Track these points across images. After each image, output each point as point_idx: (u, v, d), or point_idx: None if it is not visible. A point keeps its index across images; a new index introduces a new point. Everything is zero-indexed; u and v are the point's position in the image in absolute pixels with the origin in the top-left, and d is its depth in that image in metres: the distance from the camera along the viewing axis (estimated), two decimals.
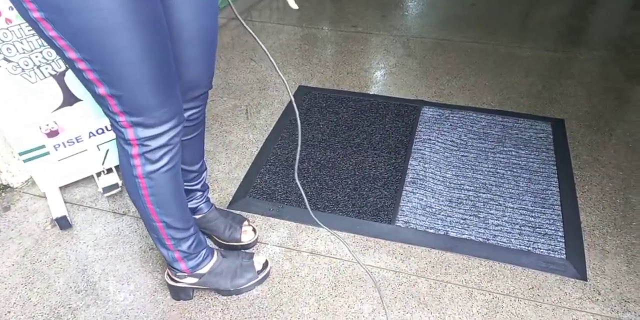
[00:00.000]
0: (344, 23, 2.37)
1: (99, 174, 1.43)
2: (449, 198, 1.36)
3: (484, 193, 1.37)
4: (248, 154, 1.57)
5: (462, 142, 1.56)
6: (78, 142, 1.32)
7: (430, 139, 1.57)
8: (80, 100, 1.25)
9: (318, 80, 1.94)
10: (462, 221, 1.29)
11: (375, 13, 2.45)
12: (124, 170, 0.88)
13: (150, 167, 0.85)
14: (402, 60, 2.05)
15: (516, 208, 1.32)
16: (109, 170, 1.44)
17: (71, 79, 1.22)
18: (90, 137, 1.34)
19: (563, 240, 1.22)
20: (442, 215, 1.31)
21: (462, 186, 1.40)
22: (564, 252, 1.20)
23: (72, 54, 0.69)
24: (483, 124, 1.64)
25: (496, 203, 1.34)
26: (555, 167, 1.45)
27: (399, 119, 1.68)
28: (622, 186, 1.40)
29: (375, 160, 1.50)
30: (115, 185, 1.39)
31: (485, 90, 1.83)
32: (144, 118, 0.78)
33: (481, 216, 1.30)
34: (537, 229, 1.26)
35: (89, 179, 1.46)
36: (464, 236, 1.24)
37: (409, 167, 1.47)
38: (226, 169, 1.51)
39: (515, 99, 1.78)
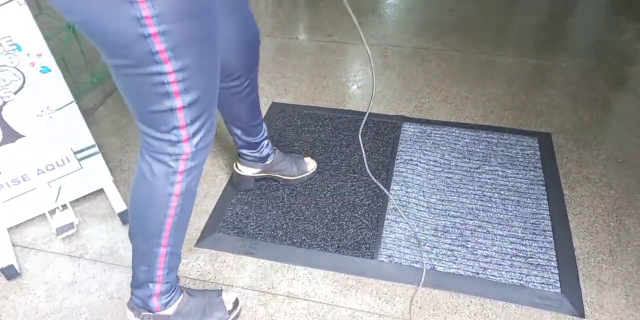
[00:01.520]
0: (319, 31, 2.27)
1: (52, 212, 1.30)
2: (435, 226, 1.27)
3: (471, 219, 1.29)
4: (218, 181, 1.45)
5: (445, 161, 1.48)
6: (25, 180, 1.19)
7: (412, 160, 1.48)
8: (23, 136, 1.11)
9: (293, 95, 1.83)
10: (449, 253, 1.20)
11: (351, 20, 2.35)
12: (156, 192, 0.85)
13: (188, 184, 0.87)
14: (380, 71, 1.95)
15: (506, 235, 1.24)
16: (64, 207, 1.31)
17: (11, 114, 1.08)
18: (38, 174, 1.20)
19: (557, 272, 1.14)
20: (428, 246, 1.22)
21: (448, 212, 1.31)
22: (558, 285, 1.12)
23: (168, 67, 0.70)
24: (467, 140, 1.56)
25: (484, 230, 1.26)
26: (544, 188, 1.37)
27: (378, 138, 1.58)
28: (615, 207, 1.33)
29: (355, 185, 1.40)
30: (71, 225, 1.26)
31: (468, 103, 1.75)
32: (204, 128, 0.81)
33: (469, 246, 1.22)
34: (529, 259, 1.18)
35: (42, 216, 1.33)
36: (451, 270, 1.16)
37: (390, 192, 1.37)
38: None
39: (499, 112, 1.70)
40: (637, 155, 1.51)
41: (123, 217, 1.29)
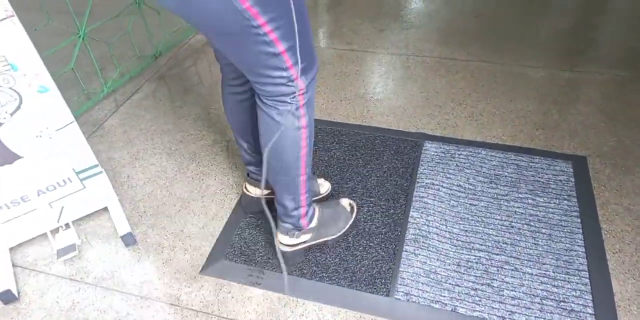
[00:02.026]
0: (338, 39, 2.18)
1: (56, 231, 1.26)
2: (457, 261, 1.17)
3: (497, 254, 1.18)
4: (227, 202, 1.38)
5: (470, 186, 1.37)
6: (24, 201, 1.14)
7: (434, 184, 1.38)
8: (21, 157, 1.06)
9: None
10: (472, 292, 1.10)
11: (372, 27, 2.25)
12: (287, 129, 0.93)
13: (309, 114, 0.95)
14: (402, 83, 1.85)
15: (535, 274, 1.13)
16: (67, 226, 1.26)
17: (8, 135, 1.03)
18: (39, 195, 1.15)
19: None
20: (450, 283, 1.12)
21: (472, 245, 1.21)
22: None
23: (260, 19, 0.76)
24: (494, 163, 1.45)
25: (512, 267, 1.15)
26: (579, 220, 1.26)
27: (398, 158, 1.48)
28: None
29: (372, 211, 1.31)
30: (72, 247, 1.21)
31: (495, 120, 1.64)
32: (308, 61, 0.88)
33: (495, 285, 1.11)
34: (562, 304, 1.07)
35: (45, 235, 1.28)
36: (475, 314, 1.06)
37: (409, 220, 1.28)
38: (201, 221, 1.33)
39: (529, 132, 1.58)
40: None
41: (126, 240, 1.23)
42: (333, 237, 1.22)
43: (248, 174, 1.27)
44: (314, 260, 1.19)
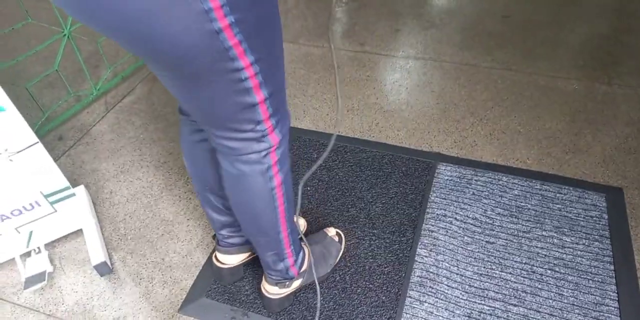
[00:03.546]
0: (350, 38, 2.00)
1: (28, 255, 1.15)
2: (469, 311, 1.02)
3: (515, 305, 1.03)
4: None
5: (488, 220, 1.21)
6: None
7: (446, 215, 1.23)
8: None
9: (311, 119, 1.60)
10: None
11: (388, 26, 2.07)
12: (259, 192, 0.80)
13: (284, 170, 0.82)
14: (417, 93, 1.68)
15: None
16: (39, 249, 1.15)
17: None
18: (3, 220, 1.04)
19: None
20: None
21: (487, 293, 1.06)
22: None
23: (245, 61, 0.62)
24: (516, 192, 1.28)
25: None
26: (612, 267, 1.09)
27: (407, 181, 1.33)
28: None
29: (374, 245, 1.17)
30: (42, 276, 1.10)
31: (520, 140, 1.46)
32: (282, 111, 0.75)
33: None
34: None
35: (14, 261, 1.18)
36: None
37: (416, 258, 1.13)
38: (184, 249, 1.20)
39: (557, 155, 1.41)
40: None
41: (99, 269, 1.11)
42: (324, 275, 1.09)
43: (218, 242, 1.05)
44: (304, 302, 1.06)
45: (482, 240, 1.16)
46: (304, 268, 1.01)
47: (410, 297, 1.05)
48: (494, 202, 1.26)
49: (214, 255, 1.08)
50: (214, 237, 1.08)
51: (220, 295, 1.08)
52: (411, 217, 1.23)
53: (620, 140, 1.45)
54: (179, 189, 1.37)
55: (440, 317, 1.02)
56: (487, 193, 1.28)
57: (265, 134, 0.73)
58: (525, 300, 1.04)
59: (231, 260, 1.06)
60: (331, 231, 1.15)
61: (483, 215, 1.22)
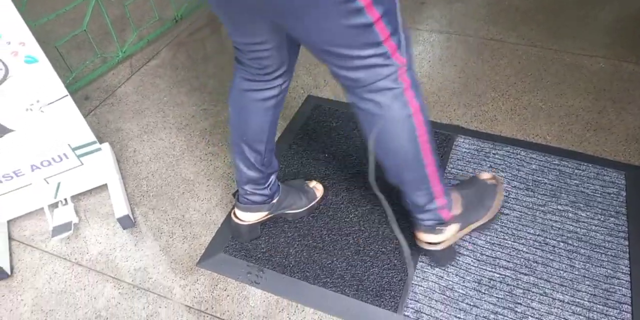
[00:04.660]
0: None
1: (55, 205, 1.20)
2: (479, 278, 1.05)
3: (525, 274, 1.05)
4: (234, 186, 1.29)
5: (503, 192, 1.22)
6: (18, 176, 1.08)
7: None
8: (12, 130, 0.98)
9: (331, 88, 1.60)
10: (492, 316, 0.98)
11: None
12: (396, 122, 0.77)
13: (418, 94, 0.78)
14: (439, 66, 1.66)
15: (567, 302, 1.00)
16: (66, 201, 1.20)
17: None
18: (33, 170, 1.08)
19: None
20: (467, 303, 1.01)
21: (498, 261, 1.08)
22: None
23: (374, 12, 0.65)
24: (534, 167, 1.28)
25: (541, 291, 1.02)
26: (626, 243, 1.10)
27: None
28: None
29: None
30: (68, 226, 1.15)
31: (541, 116, 1.45)
32: (401, 31, 0.72)
33: (519, 311, 0.99)
34: None
35: (42, 211, 1.23)
36: None
37: None
38: (204, 207, 1.24)
39: (579, 132, 1.39)
40: None
41: (122, 222, 1.16)
42: (486, 219, 1.04)
43: (239, 198, 1.06)
44: (319, 262, 1.09)
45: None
46: (457, 210, 0.98)
47: (421, 261, 1.08)
48: (510, 175, 1.26)
49: (232, 212, 1.11)
50: (234, 194, 1.10)
51: (237, 252, 1.12)
52: None
53: None
54: (200, 150, 1.40)
55: (450, 282, 1.04)
56: (504, 166, 1.28)
57: (388, 56, 0.71)
58: (536, 270, 1.06)
59: (250, 217, 1.08)
60: (484, 175, 1.11)
61: None
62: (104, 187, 1.29)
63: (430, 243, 0.99)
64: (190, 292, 1.05)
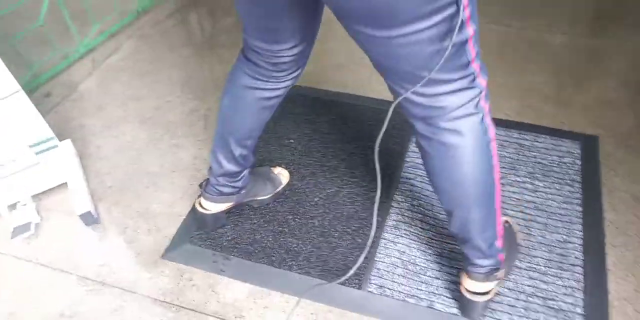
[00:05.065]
0: None
1: (14, 207, 1.19)
2: (439, 251, 1.07)
3: None
4: (199, 177, 1.29)
5: None
6: None
7: None
8: None
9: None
10: (453, 286, 1.01)
11: None
12: (477, 151, 0.71)
13: (493, 122, 0.73)
14: None
15: (524, 268, 1.03)
16: (25, 201, 1.19)
17: None
18: None
19: None
20: (429, 276, 1.03)
21: None
22: None
23: (467, 11, 0.60)
24: None
25: None
26: (580, 209, 1.13)
27: (390, 134, 1.35)
28: None
29: (352, 193, 1.21)
30: (27, 226, 1.12)
31: (502, 93, 1.47)
32: (479, 48, 0.66)
33: None
34: (550, 302, 0.97)
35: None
36: (452, 310, 0.97)
37: (393, 204, 1.17)
38: (169, 199, 1.24)
39: (537, 107, 1.42)
40: None
41: (85, 219, 1.15)
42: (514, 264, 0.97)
43: (206, 188, 1.05)
44: (284, 246, 1.10)
45: None
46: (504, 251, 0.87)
47: (384, 238, 1.10)
48: None
49: (197, 202, 1.11)
50: (200, 185, 1.10)
51: (202, 241, 1.12)
52: (390, 166, 1.26)
53: (602, 92, 1.46)
54: (164, 143, 1.39)
55: (412, 256, 1.06)
56: None
57: (474, 77, 0.65)
58: None
59: (216, 207, 1.08)
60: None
61: None
62: (65, 185, 1.27)
63: (481, 293, 0.89)
64: (155, 284, 1.05)
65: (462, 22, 0.59)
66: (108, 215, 1.21)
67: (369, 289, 1.01)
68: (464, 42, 0.62)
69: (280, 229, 1.14)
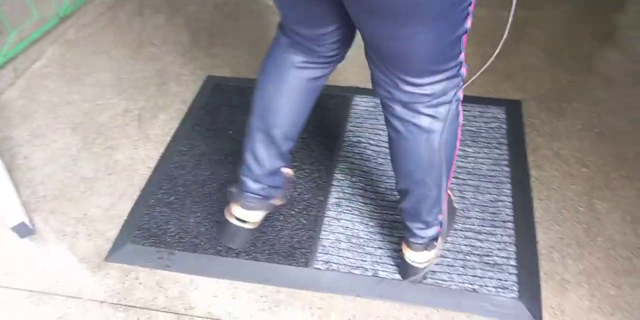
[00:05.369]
0: None
1: None
2: (381, 222, 1.11)
3: None
4: (137, 178, 1.26)
5: None
6: None
7: (360, 142, 1.29)
8: None
9: (232, 67, 1.59)
10: (395, 254, 1.04)
11: None
12: (450, 133, 0.74)
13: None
14: None
15: (460, 229, 1.08)
16: None
17: None
18: None
19: (515, 272, 1.00)
20: (372, 246, 1.06)
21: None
22: (515, 289, 0.98)
23: (473, 3, 0.62)
24: None
25: None
26: (508, 169, 1.20)
27: (326, 116, 1.37)
28: (587, 188, 1.16)
29: (295, 176, 1.22)
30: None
31: None
32: None
33: None
34: (485, 258, 1.03)
35: None
36: (396, 276, 1.01)
37: (333, 183, 1.19)
38: (107, 202, 1.21)
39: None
40: (617, 125, 1.32)
41: (18, 231, 1.11)
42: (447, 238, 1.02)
43: (246, 195, 0.94)
44: None
45: None
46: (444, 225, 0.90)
47: (327, 216, 1.12)
48: None
49: (229, 213, 0.97)
50: (229, 191, 0.97)
51: (145, 240, 1.11)
52: (329, 147, 1.28)
53: (523, 59, 1.54)
54: (97, 146, 1.35)
55: (355, 230, 1.09)
56: None
57: (460, 67, 0.69)
58: None
59: (254, 217, 0.98)
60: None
61: None
62: None
63: (420, 262, 0.93)
64: (100, 287, 1.03)
65: (468, 14, 0.63)
66: (44, 225, 1.16)
67: (316, 266, 1.03)
68: (463, 34, 0.65)
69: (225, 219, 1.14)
